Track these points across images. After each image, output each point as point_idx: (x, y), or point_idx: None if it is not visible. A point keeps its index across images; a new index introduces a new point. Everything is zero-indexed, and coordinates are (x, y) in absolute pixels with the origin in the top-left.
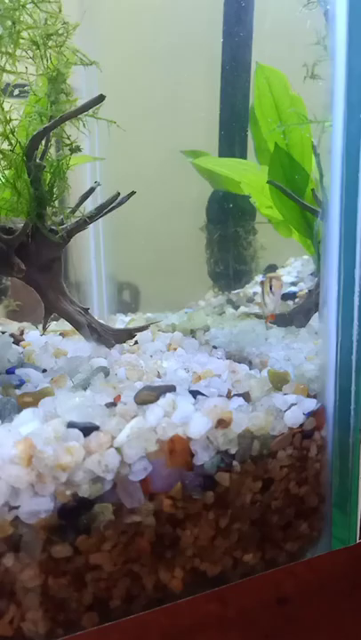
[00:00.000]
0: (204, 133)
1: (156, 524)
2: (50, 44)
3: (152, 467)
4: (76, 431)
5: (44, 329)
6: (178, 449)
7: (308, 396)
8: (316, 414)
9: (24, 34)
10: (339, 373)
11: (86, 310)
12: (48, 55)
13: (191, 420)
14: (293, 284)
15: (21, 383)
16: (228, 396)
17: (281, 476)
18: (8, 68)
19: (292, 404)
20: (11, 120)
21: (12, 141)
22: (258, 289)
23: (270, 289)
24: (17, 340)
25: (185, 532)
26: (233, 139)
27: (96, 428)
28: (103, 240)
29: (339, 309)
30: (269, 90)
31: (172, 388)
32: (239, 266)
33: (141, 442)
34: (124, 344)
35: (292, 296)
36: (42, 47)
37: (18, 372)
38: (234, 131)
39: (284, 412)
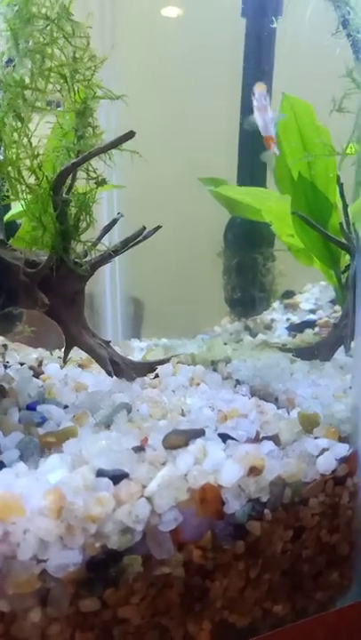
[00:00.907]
0: (222, 159)
1: (185, 575)
2: (78, 77)
3: (182, 516)
4: (106, 480)
5: (65, 362)
6: (209, 498)
7: (340, 439)
8: (349, 460)
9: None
10: None
11: (107, 343)
12: (76, 89)
13: (223, 468)
14: (312, 311)
15: (43, 421)
16: (257, 438)
17: (312, 524)
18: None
19: (324, 449)
20: (38, 155)
21: (39, 175)
22: (275, 315)
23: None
24: (36, 372)
25: (214, 583)
26: (252, 165)
27: (125, 476)
28: (119, 263)
29: None
30: (295, 120)
31: (200, 432)
32: (257, 293)
33: (172, 491)
34: (145, 377)
35: (311, 324)
36: (70, 81)
37: (39, 408)
38: (253, 157)
39: (316, 457)
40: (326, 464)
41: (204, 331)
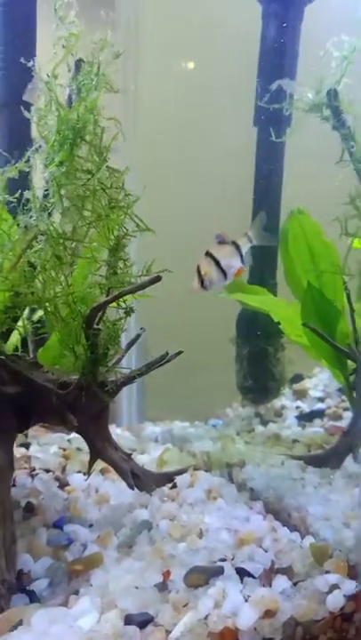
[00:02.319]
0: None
1: None
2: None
3: None
4: (134, 627)
5: (89, 473)
6: None
7: (348, 573)
8: (356, 597)
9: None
10: None
11: (129, 456)
12: (110, 227)
13: (240, 611)
14: (321, 399)
15: (70, 542)
16: (272, 570)
17: None
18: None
19: (334, 586)
20: (73, 292)
21: (74, 310)
22: (285, 402)
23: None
24: (62, 483)
25: None
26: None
27: (151, 620)
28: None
29: None
30: (304, 235)
31: (220, 571)
32: (268, 381)
33: (194, 636)
34: (164, 488)
35: (320, 414)
36: (105, 220)
37: (66, 528)
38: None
39: (327, 594)
40: (336, 602)
41: (216, 414)
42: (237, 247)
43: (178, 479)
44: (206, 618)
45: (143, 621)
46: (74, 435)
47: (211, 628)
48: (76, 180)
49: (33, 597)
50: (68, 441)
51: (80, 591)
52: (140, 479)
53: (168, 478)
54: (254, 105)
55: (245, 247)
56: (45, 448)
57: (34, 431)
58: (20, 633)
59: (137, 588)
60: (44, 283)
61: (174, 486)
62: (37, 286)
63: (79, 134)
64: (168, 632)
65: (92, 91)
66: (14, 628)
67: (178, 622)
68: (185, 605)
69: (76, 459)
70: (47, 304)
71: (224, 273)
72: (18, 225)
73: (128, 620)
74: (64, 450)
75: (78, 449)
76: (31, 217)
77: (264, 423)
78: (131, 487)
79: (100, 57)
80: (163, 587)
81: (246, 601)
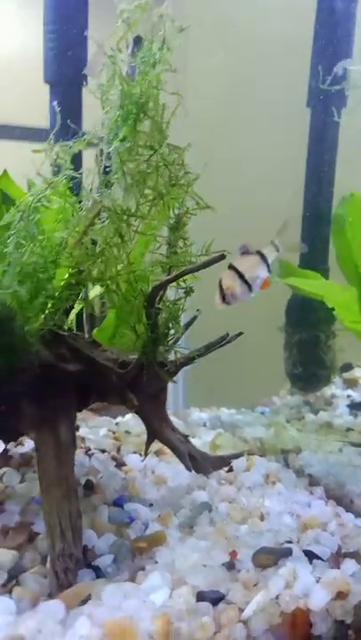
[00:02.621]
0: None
1: None
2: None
3: (274, 639)
4: (206, 604)
5: (146, 454)
6: (299, 622)
7: None
8: None
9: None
10: None
11: (186, 437)
12: (171, 206)
13: (312, 592)
14: None
15: (131, 521)
16: (339, 554)
17: None
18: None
19: None
20: (135, 270)
21: (135, 289)
22: (335, 391)
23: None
24: (118, 463)
25: None
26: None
27: (222, 598)
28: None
29: None
30: None
31: (288, 552)
32: (318, 369)
33: (266, 615)
34: (220, 471)
35: None
36: (165, 197)
37: (126, 507)
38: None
39: None
40: None
41: (263, 402)
42: (263, 257)
43: (234, 463)
44: (277, 598)
45: (215, 599)
46: (120, 419)
47: (283, 607)
48: (138, 157)
49: (99, 573)
50: (116, 424)
51: (146, 568)
52: (197, 461)
53: (225, 461)
54: (308, 85)
55: (272, 256)
56: (95, 430)
57: (82, 414)
58: (92, 607)
59: (205, 566)
60: (107, 260)
61: (230, 470)
62: (99, 264)
63: (142, 109)
64: (241, 610)
65: (155, 65)
66: (84, 602)
67: (250, 601)
68: (255, 585)
69: (126, 441)
70: (109, 282)
71: (249, 285)
72: (80, 202)
73: (200, 596)
74: (113, 433)
75: (127, 432)
76: (95, 193)
77: (314, 411)
78: (188, 469)
79: (162, 32)
80: (230, 566)
81: (318, 582)
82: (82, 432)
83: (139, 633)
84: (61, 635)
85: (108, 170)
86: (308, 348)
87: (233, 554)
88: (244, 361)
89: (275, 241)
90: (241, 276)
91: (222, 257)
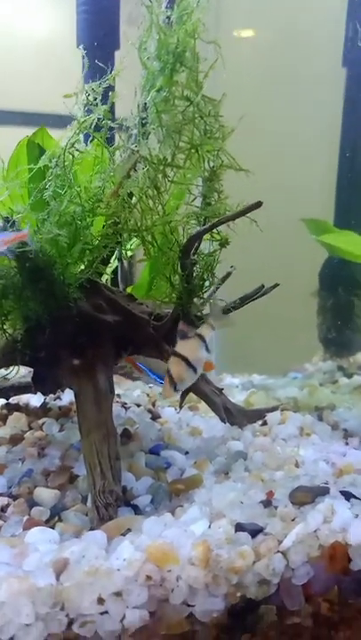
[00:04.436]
0: (319, 196)
1: (313, 625)
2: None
3: (313, 571)
4: (245, 534)
5: (181, 407)
6: (338, 555)
7: None
8: None
9: (184, 138)
10: None
11: (221, 390)
12: (205, 158)
13: (350, 527)
14: None
15: (168, 466)
16: None
17: None
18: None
19: None
20: (171, 221)
21: (171, 240)
22: None
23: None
24: (154, 415)
25: (339, 634)
26: (351, 205)
27: (260, 531)
28: None
29: None
30: None
31: (325, 490)
32: (352, 334)
33: (305, 548)
34: (255, 424)
35: None
36: (200, 151)
37: (163, 453)
38: (352, 197)
39: None
40: None
41: (295, 368)
42: (201, 337)
43: (268, 417)
44: (316, 532)
45: (254, 530)
46: (152, 385)
47: (321, 541)
48: (174, 107)
49: (137, 511)
50: (150, 387)
51: (184, 506)
52: (231, 413)
53: (259, 415)
54: (344, 43)
55: (208, 336)
56: (129, 393)
57: (116, 378)
58: (134, 536)
59: (242, 503)
60: (143, 211)
61: (265, 423)
62: (135, 214)
63: (179, 59)
64: (279, 542)
65: (192, 14)
66: (124, 535)
67: (288, 533)
68: (293, 519)
69: (159, 401)
70: (145, 232)
71: (194, 368)
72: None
73: (239, 527)
74: (147, 395)
75: (160, 394)
76: (132, 143)
77: (348, 375)
78: (223, 420)
79: None
80: (268, 504)
81: (356, 518)
82: (116, 392)
83: (180, 557)
84: (105, 558)
85: (144, 122)
86: (342, 313)
87: (270, 493)
88: (275, 329)
89: (209, 320)
90: (186, 360)
91: (258, 204)
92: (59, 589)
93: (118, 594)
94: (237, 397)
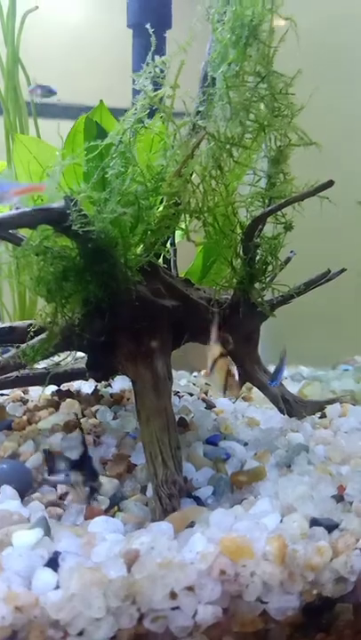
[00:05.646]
0: None
1: None
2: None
3: None
4: (321, 529)
5: (237, 396)
6: None
7: None
8: None
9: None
10: None
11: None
12: (272, 137)
13: None
14: None
15: (227, 457)
16: None
17: None
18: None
19: None
20: (235, 202)
21: (233, 222)
22: None
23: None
24: (209, 405)
25: None
26: None
27: (336, 526)
28: None
29: None
30: None
31: None
32: None
33: None
34: (314, 416)
35: None
36: (267, 129)
37: (222, 444)
38: None
39: None
40: None
41: (345, 360)
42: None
43: (328, 409)
44: None
45: (330, 525)
46: (196, 373)
47: None
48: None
49: (199, 503)
50: (195, 377)
51: (249, 499)
52: (290, 405)
53: (319, 407)
54: None
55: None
56: (175, 382)
57: None
58: (202, 528)
59: (313, 497)
60: (205, 191)
61: (324, 416)
62: (197, 195)
63: (253, 33)
64: (357, 539)
65: None
66: (189, 527)
67: None
68: None
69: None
70: (206, 214)
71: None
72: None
73: (314, 522)
74: (194, 384)
75: (207, 384)
76: (199, 120)
77: None
78: (281, 412)
79: None
80: (340, 498)
81: None
82: None
83: (255, 552)
84: (177, 550)
85: (211, 98)
86: None
87: (341, 488)
88: (325, 321)
89: None
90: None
91: (330, 183)
92: (130, 582)
93: (191, 588)
94: (290, 389)
